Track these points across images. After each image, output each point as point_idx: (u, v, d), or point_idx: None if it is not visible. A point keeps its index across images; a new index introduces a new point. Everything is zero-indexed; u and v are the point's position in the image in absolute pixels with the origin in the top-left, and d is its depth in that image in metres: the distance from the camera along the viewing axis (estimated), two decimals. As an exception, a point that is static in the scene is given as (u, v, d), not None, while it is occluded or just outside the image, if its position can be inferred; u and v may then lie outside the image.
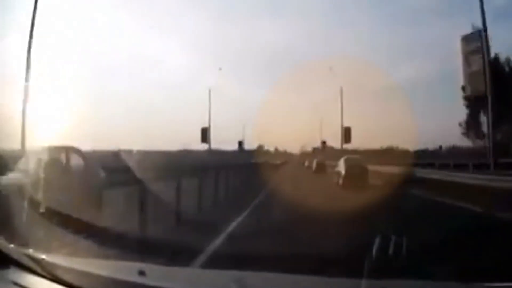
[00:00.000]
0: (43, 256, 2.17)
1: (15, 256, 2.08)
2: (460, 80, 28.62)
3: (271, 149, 63.51)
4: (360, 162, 21.05)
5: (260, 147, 58.44)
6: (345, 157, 21.70)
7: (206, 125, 39.70)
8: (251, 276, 2.41)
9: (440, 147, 41.28)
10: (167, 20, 68.81)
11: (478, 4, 22.53)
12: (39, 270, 2.01)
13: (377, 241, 2.33)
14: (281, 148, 62.76)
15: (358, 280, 2.03)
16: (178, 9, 71.22)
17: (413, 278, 2.62)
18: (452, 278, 3.34)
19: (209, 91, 40.11)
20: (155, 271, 2.27)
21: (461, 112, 35.33)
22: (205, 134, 39.33)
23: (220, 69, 48.73)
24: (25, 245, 2.61)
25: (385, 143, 44.45)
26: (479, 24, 24.23)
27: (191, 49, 71.91)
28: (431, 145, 41.17)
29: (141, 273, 2.03)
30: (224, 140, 46.08)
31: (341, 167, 20.31)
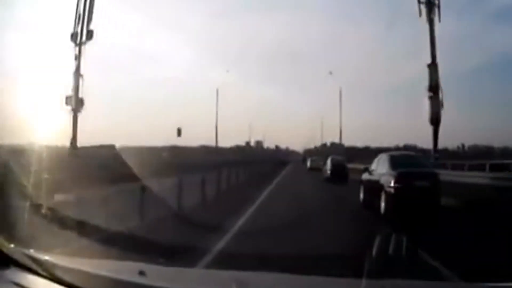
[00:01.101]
0: (43, 256, 2.17)
1: (15, 256, 2.08)
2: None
3: (272, 146, 61.69)
4: (343, 162, 26.91)
5: (258, 144, 57.21)
6: (331, 156, 27.62)
7: (199, 121, 40.96)
8: (251, 276, 2.41)
9: (463, 146, 39.92)
10: (167, 15, 68.20)
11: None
12: (39, 270, 2.01)
13: (377, 240, 2.33)
14: (282, 146, 60.97)
15: (358, 280, 2.03)
16: (178, 4, 70.62)
17: (413, 278, 2.62)
18: (453, 278, 3.34)
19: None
20: (155, 271, 2.27)
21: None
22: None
23: (228, 71, 47.60)
24: (27, 244, 2.62)
25: (403, 141, 43.30)
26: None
27: (191, 46, 71.37)
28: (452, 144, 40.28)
29: (141, 273, 2.03)
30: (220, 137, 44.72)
31: (328, 165, 26.41)
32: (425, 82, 24.33)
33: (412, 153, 15.47)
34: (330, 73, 41.03)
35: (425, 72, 24.30)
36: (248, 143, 50.01)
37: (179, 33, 71.96)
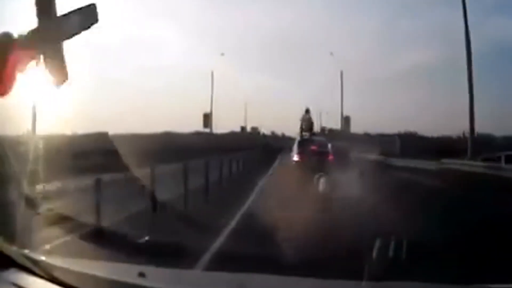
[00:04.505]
0: (44, 258, 2.17)
1: (16, 257, 2.07)
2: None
3: (267, 132, 59.74)
4: (344, 148, 26.10)
5: (254, 130, 55.47)
6: (331, 143, 27.11)
7: (195, 107, 39.41)
8: (251, 278, 2.41)
9: (464, 134, 38.53)
10: (165, 2, 67.01)
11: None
12: (39, 272, 2.01)
13: (377, 243, 2.33)
14: (278, 132, 58.76)
15: (359, 282, 2.03)
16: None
17: (413, 280, 2.62)
18: (452, 280, 3.34)
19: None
20: (155, 273, 2.26)
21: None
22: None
23: (223, 54, 43.07)
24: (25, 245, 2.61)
25: (404, 128, 41.83)
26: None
27: (188, 33, 70.02)
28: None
29: (141, 274, 2.03)
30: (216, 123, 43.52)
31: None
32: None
33: (318, 137, 21.06)
34: (331, 53, 38.15)
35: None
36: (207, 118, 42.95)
37: (174, 20, 70.21)
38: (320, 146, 17.56)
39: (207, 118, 40.21)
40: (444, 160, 20.05)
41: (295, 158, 16.65)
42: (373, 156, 25.73)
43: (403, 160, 24.22)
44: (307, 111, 20.61)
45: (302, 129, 19.98)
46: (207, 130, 40.85)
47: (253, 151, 29.79)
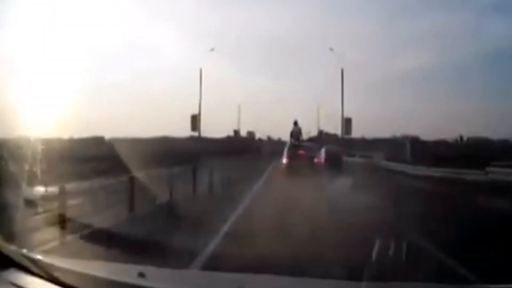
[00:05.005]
0: (43, 258, 2.16)
1: (16, 257, 2.07)
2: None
3: (264, 137, 58.92)
4: (337, 151, 27.22)
5: (250, 135, 54.27)
6: (325, 147, 27.53)
7: (191, 111, 36.93)
8: (251, 278, 2.40)
9: (461, 138, 37.15)
10: (161, 4, 66.04)
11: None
12: (39, 271, 2.00)
13: (376, 245, 2.33)
14: (275, 137, 57.73)
15: (359, 283, 2.03)
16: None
17: (413, 281, 2.62)
18: (452, 281, 3.34)
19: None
20: (154, 273, 2.26)
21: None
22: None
23: (212, 49, 38.47)
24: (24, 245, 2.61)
25: (401, 132, 40.71)
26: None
27: (185, 35, 68.83)
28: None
29: (141, 275, 2.02)
30: (211, 128, 41.79)
31: (322, 154, 26.08)
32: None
33: (307, 143, 24.37)
34: (331, 49, 37.01)
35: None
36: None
37: (171, 23, 68.46)
38: (309, 151, 20.07)
39: (194, 120, 38.05)
40: (491, 169, 14.84)
41: (284, 161, 19.16)
42: (390, 164, 23.85)
43: (425, 168, 19.05)
44: (295, 123, 23.61)
45: (292, 137, 22.96)
46: (195, 134, 38.91)
47: (245, 156, 28.08)
